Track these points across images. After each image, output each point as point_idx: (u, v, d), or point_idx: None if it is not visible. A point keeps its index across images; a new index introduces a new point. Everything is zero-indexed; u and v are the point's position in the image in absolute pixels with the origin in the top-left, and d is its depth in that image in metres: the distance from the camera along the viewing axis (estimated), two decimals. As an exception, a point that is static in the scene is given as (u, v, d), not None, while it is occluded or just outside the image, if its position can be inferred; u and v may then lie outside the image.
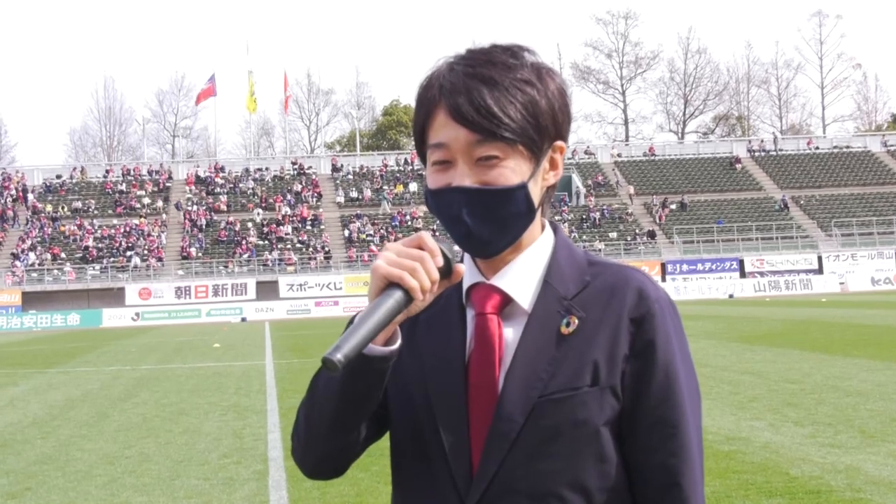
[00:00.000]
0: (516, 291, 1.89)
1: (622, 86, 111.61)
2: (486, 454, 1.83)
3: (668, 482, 1.85)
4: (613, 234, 72.44)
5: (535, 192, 1.87)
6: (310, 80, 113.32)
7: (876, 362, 17.97)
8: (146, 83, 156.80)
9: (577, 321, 1.86)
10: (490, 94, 1.81)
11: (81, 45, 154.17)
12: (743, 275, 68.34)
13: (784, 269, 68.27)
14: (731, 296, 63.70)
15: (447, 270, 1.81)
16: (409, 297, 1.75)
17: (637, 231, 73.13)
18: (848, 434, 10.84)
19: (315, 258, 67.63)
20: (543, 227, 1.96)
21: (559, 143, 1.89)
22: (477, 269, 1.94)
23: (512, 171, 1.82)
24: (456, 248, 1.87)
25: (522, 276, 1.90)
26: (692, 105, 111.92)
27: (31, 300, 64.11)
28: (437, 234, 1.90)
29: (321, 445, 1.93)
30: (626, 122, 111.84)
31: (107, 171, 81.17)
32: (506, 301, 1.89)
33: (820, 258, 69.11)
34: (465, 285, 1.94)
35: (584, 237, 71.64)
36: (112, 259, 67.81)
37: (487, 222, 1.84)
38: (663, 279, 67.73)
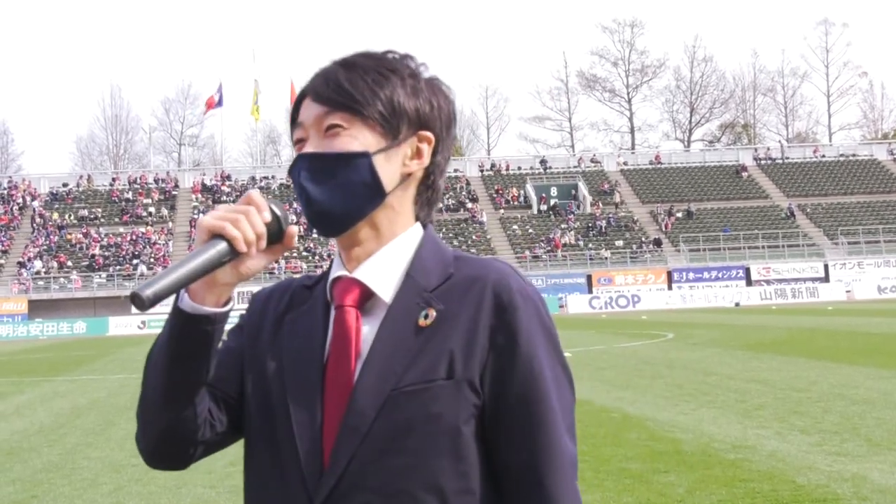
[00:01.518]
0: (377, 284, 1.86)
1: (628, 94, 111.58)
2: (335, 450, 1.78)
3: (531, 481, 1.79)
4: (619, 242, 72.43)
5: (388, 172, 1.86)
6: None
7: (882, 370, 17.92)
8: (152, 91, 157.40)
9: (434, 313, 1.82)
10: (344, 73, 1.88)
11: (88, 54, 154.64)
12: (749, 283, 68.30)
13: (790, 278, 68.20)
14: (737, 304, 63.66)
15: (278, 230, 1.79)
16: (232, 249, 1.73)
17: (643, 239, 73.10)
18: (854, 442, 10.82)
19: (321, 266, 67.68)
20: (416, 225, 1.94)
21: (426, 133, 1.89)
22: (342, 263, 1.92)
23: (354, 138, 1.84)
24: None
25: (384, 268, 1.88)
26: (698, 113, 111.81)
27: (38, 308, 64.21)
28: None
29: (156, 419, 1.87)
30: (632, 131, 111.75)
31: (113, 180, 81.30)
32: (366, 294, 1.87)
33: (826, 266, 69.05)
34: (329, 280, 1.93)
35: (591, 245, 71.64)
36: (118, 267, 67.94)
37: (325, 188, 1.84)
38: (669, 287, 67.75)
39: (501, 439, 1.81)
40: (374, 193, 1.85)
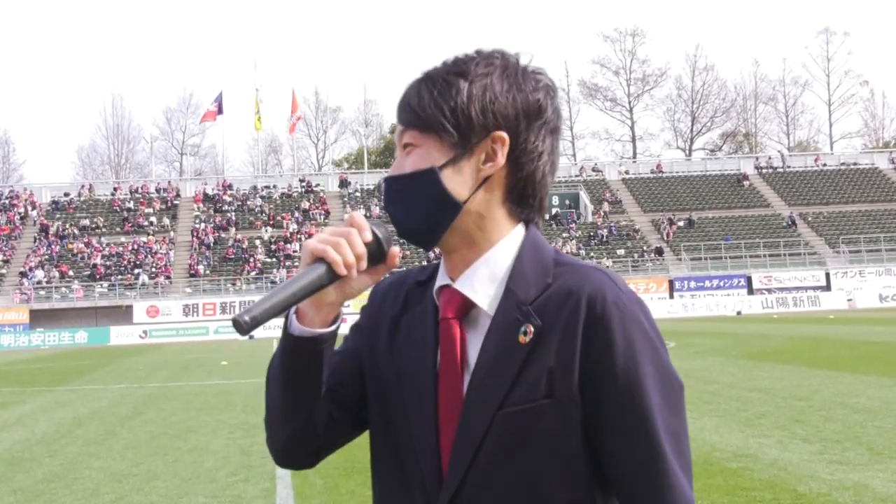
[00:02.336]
0: (477, 295, 1.89)
1: (630, 103, 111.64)
2: (452, 463, 1.84)
3: (639, 489, 1.81)
4: (621, 251, 72.43)
5: (459, 181, 1.87)
6: (317, 98, 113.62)
7: (884, 379, 17.93)
8: (154, 101, 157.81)
9: (533, 330, 1.83)
10: (416, 88, 1.93)
11: (89, 63, 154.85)
12: (751, 291, 68.25)
13: (792, 286, 68.18)
14: (738, 312, 63.61)
15: (379, 251, 1.85)
16: (332, 272, 1.79)
17: (645, 248, 73.11)
18: (856, 451, 10.82)
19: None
20: (516, 227, 1.95)
21: (499, 133, 1.88)
22: (445, 269, 1.96)
23: (421, 157, 1.88)
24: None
25: (483, 278, 1.90)
26: (700, 122, 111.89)
27: (39, 318, 64.19)
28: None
29: (279, 429, 1.98)
30: (633, 140, 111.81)
31: (115, 189, 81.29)
32: (468, 305, 1.90)
33: (828, 275, 69.01)
34: (436, 287, 1.96)
35: (592, 254, 71.62)
36: (120, 277, 67.92)
37: (403, 208, 1.90)
38: (671, 296, 67.69)
39: (604, 448, 1.83)
40: (448, 206, 1.87)
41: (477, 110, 1.87)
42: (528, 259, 1.91)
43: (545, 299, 1.86)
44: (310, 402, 1.93)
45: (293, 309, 1.87)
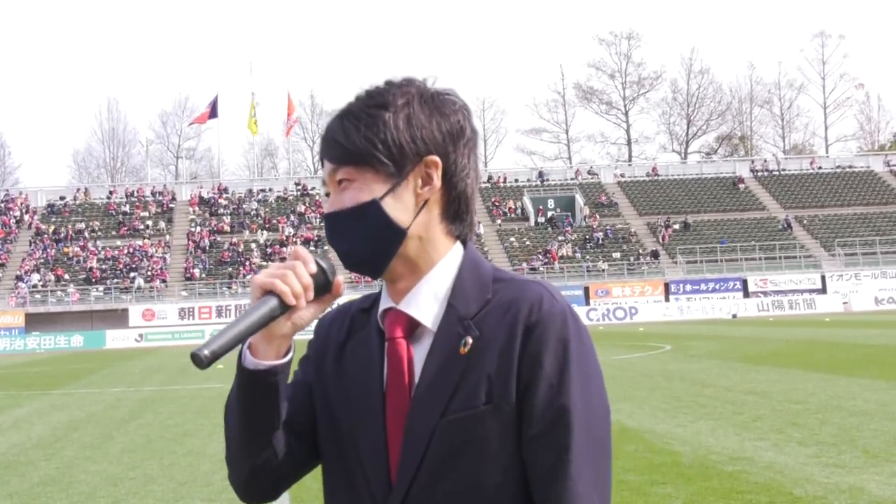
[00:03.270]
0: (421, 314, 1.95)
1: (625, 106, 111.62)
2: (398, 475, 1.90)
3: (546, 491, 1.85)
4: (617, 255, 72.44)
5: (400, 209, 1.93)
6: (313, 101, 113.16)
7: (880, 382, 17.95)
8: (150, 104, 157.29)
9: (471, 341, 1.90)
10: (339, 125, 1.97)
11: (85, 67, 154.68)
12: (746, 294, 68.29)
13: (787, 289, 68.21)
14: (734, 315, 63.60)
15: (325, 282, 1.91)
16: (283, 303, 1.84)
17: (640, 251, 73.11)
18: (851, 454, 10.83)
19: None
20: (454, 245, 2.01)
21: (431, 157, 1.94)
22: (388, 294, 2.01)
23: (360, 190, 1.93)
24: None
25: (427, 298, 1.96)
26: (695, 125, 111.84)
27: (35, 321, 64.12)
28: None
29: (240, 463, 2.02)
30: (629, 143, 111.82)
31: (110, 193, 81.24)
32: (413, 325, 1.96)
33: (823, 278, 69.06)
34: (380, 311, 2.01)
35: (588, 257, 71.67)
36: (115, 280, 67.88)
37: (348, 241, 1.96)
38: (667, 299, 67.72)
39: (527, 452, 1.88)
40: (393, 233, 1.93)
41: (407, 139, 1.93)
42: (468, 276, 1.98)
43: (485, 313, 1.93)
44: (268, 434, 1.97)
45: (246, 344, 1.92)
